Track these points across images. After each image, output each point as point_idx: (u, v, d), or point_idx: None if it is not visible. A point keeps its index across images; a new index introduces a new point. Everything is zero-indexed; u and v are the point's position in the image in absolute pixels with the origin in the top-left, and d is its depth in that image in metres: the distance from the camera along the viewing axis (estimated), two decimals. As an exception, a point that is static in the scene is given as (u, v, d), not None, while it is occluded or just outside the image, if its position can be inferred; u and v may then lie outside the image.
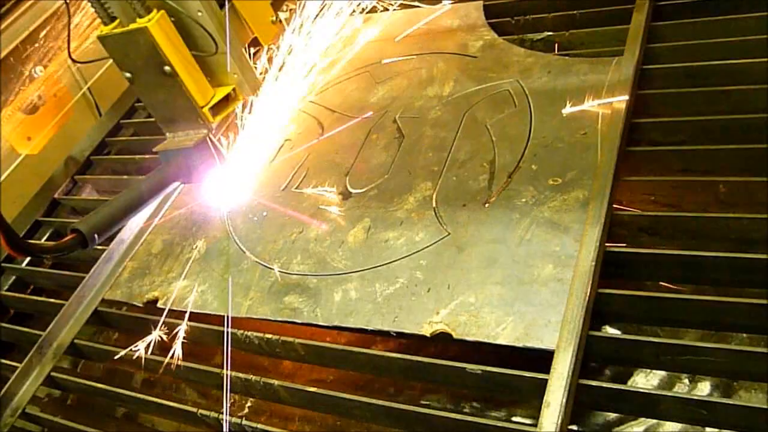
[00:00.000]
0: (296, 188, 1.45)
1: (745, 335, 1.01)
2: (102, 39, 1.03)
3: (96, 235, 0.91)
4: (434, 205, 1.27)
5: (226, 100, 1.09)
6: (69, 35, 1.34)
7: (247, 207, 1.46)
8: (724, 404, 0.90)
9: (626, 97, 1.26)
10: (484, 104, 1.43)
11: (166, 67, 0.99)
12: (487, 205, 1.22)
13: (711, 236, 1.08)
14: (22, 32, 1.83)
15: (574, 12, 1.57)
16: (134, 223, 1.54)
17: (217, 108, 1.07)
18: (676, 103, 1.30)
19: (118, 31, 1.01)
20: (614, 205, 1.13)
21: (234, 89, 1.09)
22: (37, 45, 1.85)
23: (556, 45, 1.57)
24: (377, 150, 1.45)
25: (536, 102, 1.38)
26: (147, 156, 1.77)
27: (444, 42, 1.66)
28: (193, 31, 1.03)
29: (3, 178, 1.81)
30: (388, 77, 1.63)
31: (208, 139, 1.07)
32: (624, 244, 1.10)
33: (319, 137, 1.56)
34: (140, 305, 1.37)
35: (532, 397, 0.98)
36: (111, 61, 1.05)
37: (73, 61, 1.82)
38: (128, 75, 1.04)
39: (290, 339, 1.18)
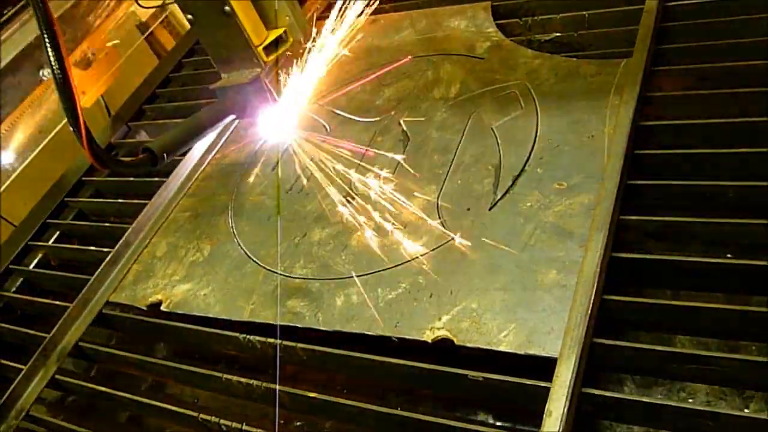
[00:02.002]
0: (300, 191, 1.44)
1: (754, 346, 0.98)
2: None
3: (165, 155, 0.98)
4: (438, 208, 1.25)
5: (276, 42, 1.15)
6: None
7: (251, 209, 1.45)
8: (731, 415, 0.87)
9: (635, 100, 1.24)
10: (491, 106, 1.41)
11: (226, 8, 1.05)
12: (491, 209, 1.20)
13: (719, 242, 1.06)
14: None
15: (583, 13, 1.55)
16: (140, 226, 1.54)
17: (269, 49, 1.13)
18: (685, 106, 1.28)
19: None
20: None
21: (285, 32, 1.15)
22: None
23: (564, 46, 1.55)
24: (382, 152, 1.43)
25: (543, 104, 1.36)
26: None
27: (451, 43, 1.64)
28: None
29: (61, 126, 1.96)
30: (395, 79, 1.62)
31: (261, 77, 1.12)
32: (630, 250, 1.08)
33: (324, 139, 1.55)
34: (144, 308, 1.37)
35: (534, 405, 0.96)
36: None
37: (140, 5, 2.07)
38: (190, 17, 1.10)
39: (292, 344, 1.17)
